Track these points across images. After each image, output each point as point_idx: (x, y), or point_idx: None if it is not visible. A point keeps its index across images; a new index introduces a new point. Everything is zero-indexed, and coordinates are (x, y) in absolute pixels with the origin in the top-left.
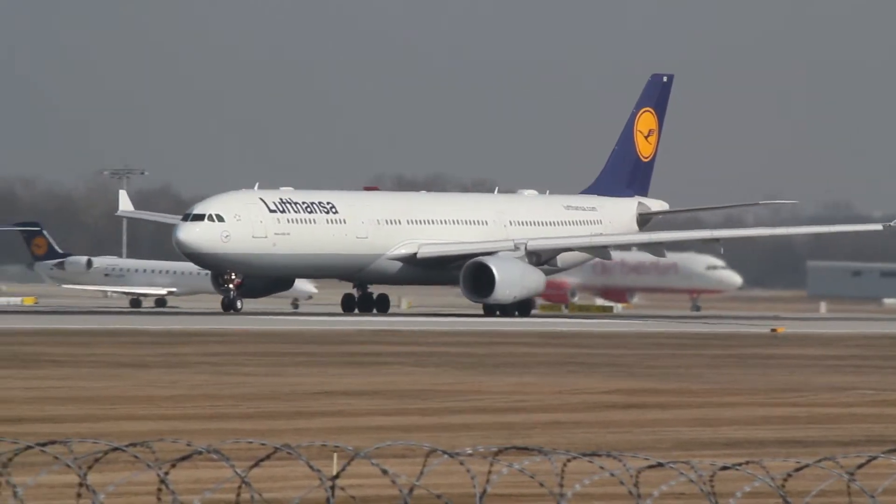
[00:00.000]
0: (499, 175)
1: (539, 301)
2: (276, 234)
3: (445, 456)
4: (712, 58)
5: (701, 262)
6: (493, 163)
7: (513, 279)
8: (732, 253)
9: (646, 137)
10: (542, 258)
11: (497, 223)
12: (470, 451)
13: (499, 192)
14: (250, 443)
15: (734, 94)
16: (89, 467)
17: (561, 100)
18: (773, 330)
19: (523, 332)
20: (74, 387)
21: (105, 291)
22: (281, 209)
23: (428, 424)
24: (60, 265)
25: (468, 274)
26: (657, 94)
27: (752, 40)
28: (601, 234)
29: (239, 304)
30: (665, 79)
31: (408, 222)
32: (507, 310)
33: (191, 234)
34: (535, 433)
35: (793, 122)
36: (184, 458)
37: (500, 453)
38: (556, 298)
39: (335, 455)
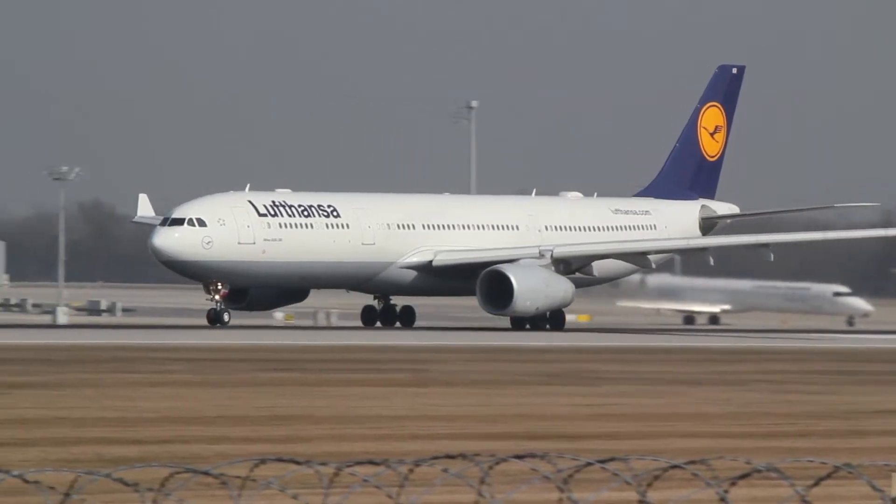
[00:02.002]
0: (543, 177)
1: None
2: (265, 239)
3: None
4: (789, 47)
5: None
6: (537, 164)
7: (534, 289)
8: None
9: (711, 135)
10: (571, 266)
11: (529, 228)
12: None
13: (537, 194)
14: (809, 461)
15: (817, 87)
16: (648, 484)
17: (614, 94)
18: None
19: None
20: (631, 404)
21: (659, 309)
22: (273, 213)
23: None
24: (615, 283)
25: (485, 283)
26: (725, 88)
27: (835, 27)
28: (641, 240)
29: (226, 317)
30: (735, 70)
31: (423, 227)
32: (536, 323)
33: (168, 240)
34: None
35: (879, 117)
36: (742, 476)
37: None
38: None
39: (894, 475)
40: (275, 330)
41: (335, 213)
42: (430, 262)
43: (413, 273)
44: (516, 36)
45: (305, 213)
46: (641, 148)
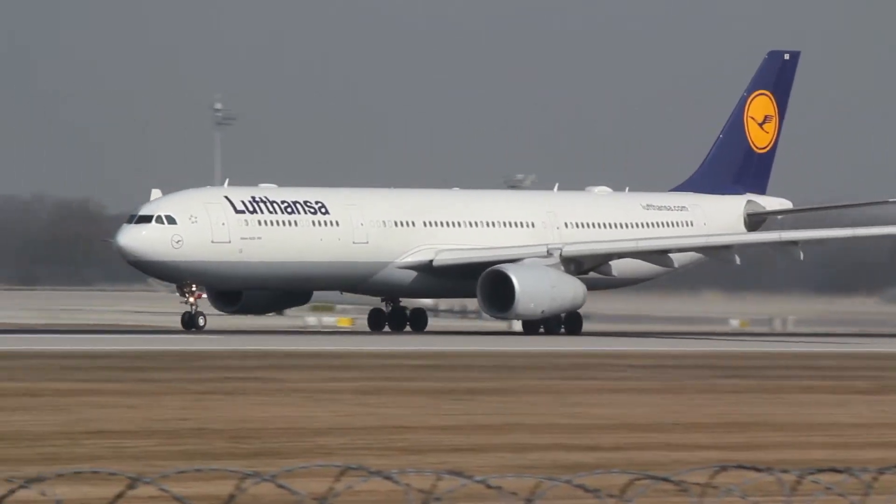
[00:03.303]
0: (572, 170)
1: None
2: (242, 238)
3: None
4: (849, 31)
5: None
6: (565, 156)
7: (539, 290)
8: None
9: (760, 125)
10: (583, 266)
11: (547, 225)
12: None
13: (559, 188)
14: None
15: (881, 72)
16: None
17: (651, 82)
18: None
19: None
20: None
21: None
22: (251, 209)
23: None
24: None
25: (486, 284)
26: (776, 75)
27: None
28: (659, 238)
29: (202, 321)
30: (787, 56)
31: (425, 224)
32: (550, 327)
33: (134, 238)
34: None
35: None
36: None
37: None
38: None
39: None
40: (727, 338)
41: (323, 210)
42: (431, 261)
43: (413, 274)
44: (523, 30)
45: (289, 209)
46: (682, 140)
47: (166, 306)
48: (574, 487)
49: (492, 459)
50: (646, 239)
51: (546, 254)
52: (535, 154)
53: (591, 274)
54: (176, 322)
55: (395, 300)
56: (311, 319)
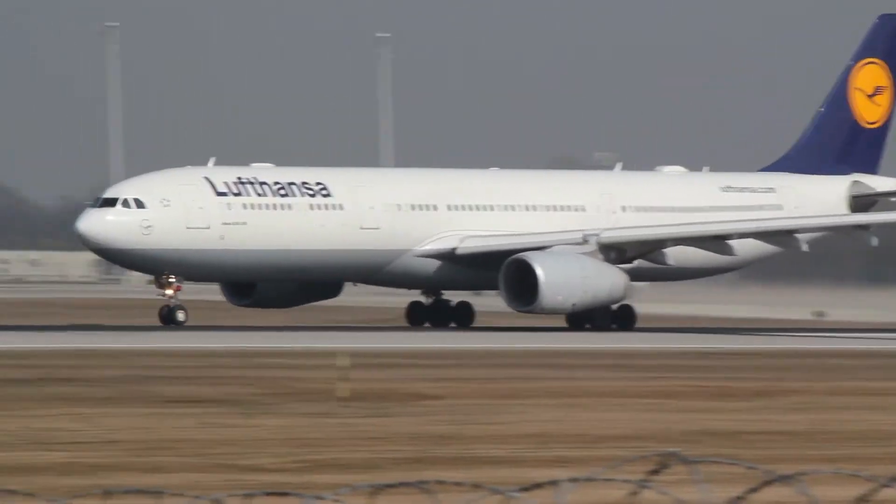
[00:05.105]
0: (650, 148)
1: None
2: (224, 223)
3: None
4: None
5: None
6: (646, 135)
7: (568, 281)
8: None
9: (869, 97)
10: (626, 254)
11: (600, 209)
12: None
13: (624, 168)
14: None
15: None
16: None
17: (739, 52)
18: None
19: None
20: None
21: None
22: (236, 192)
23: None
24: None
25: (509, 274)
26: (889, 41)
27: None
28: (716, 222)
29: (181, 317)
30: None
31: (449, 208)
32: (598, 322)
33: (96, 224)
34: None
35: None
36: None
37: None
38: None
39: None
40: None
41: (324, 192)
42: (455, 249)
43: (435, 263)
44: None
45: (283, 191)
46: (778, 115)
47: None
48: None
49: None
50: (694, 223)
51: (581, 240)
52: (613, 132)
53: (641, 263)
54: None
55: (436, 292)
56: None
